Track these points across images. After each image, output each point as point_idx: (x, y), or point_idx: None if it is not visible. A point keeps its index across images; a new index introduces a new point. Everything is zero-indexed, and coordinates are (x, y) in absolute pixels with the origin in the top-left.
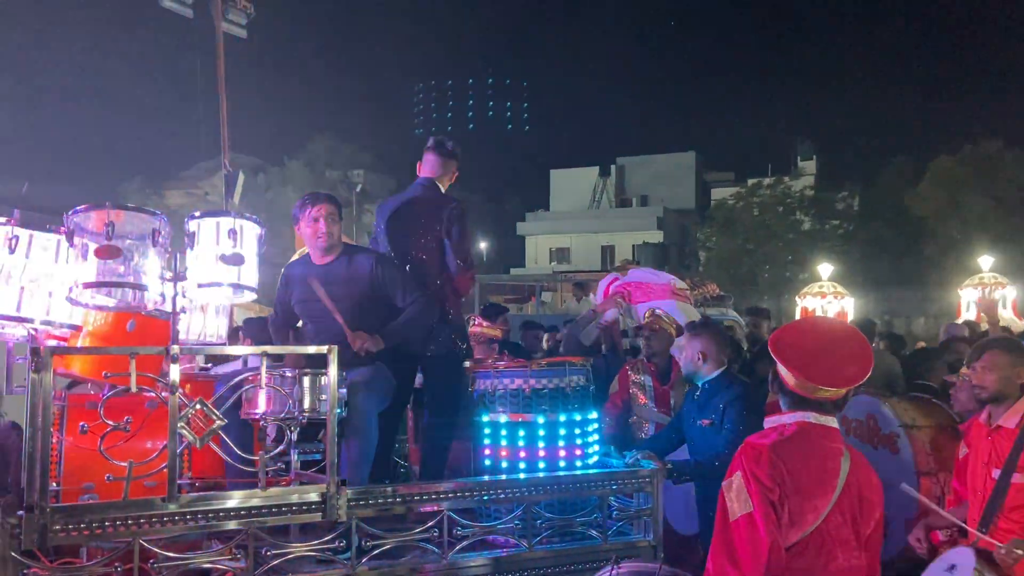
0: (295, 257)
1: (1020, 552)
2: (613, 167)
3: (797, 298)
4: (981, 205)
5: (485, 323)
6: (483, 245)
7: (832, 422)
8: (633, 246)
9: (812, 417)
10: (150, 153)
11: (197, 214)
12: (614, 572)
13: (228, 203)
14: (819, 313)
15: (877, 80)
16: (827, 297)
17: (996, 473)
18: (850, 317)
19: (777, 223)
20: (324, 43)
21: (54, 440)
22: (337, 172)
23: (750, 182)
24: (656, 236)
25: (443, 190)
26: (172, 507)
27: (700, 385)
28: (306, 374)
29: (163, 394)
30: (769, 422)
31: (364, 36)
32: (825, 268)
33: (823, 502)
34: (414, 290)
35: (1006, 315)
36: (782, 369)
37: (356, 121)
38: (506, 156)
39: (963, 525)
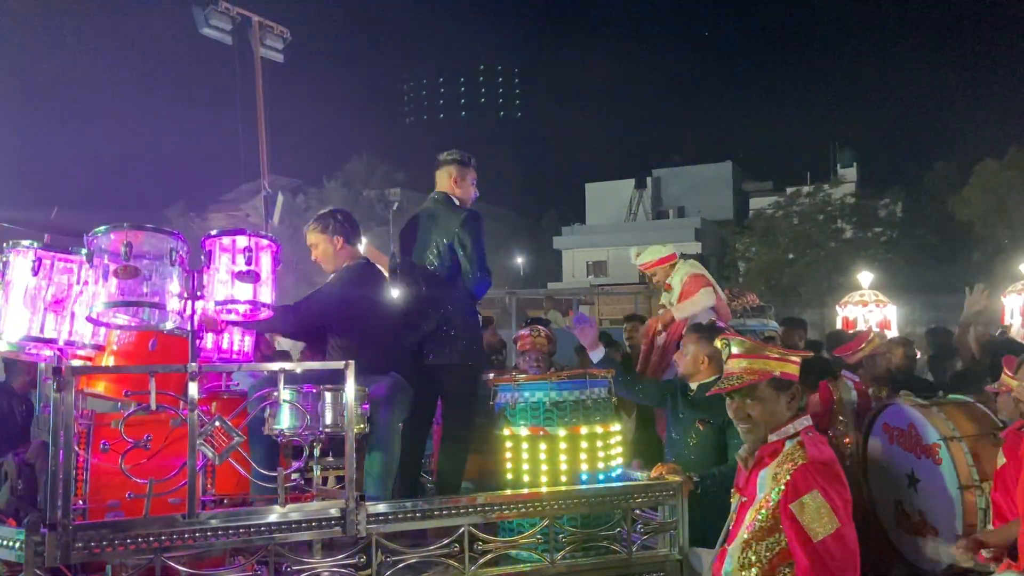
0: None
1: None
2: (649, 179)
3: (838, 307)
4: None
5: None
6: (520, 260)
7: None
8: None
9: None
10: (193, 177)
11: (213, 233)
12: None
13: (268, 224)
14: (861, 323)
15: (917, 83)
16: (868, 306)
17: None
18: (893, 325)
19: (818, 232)
20: (360, 65)
21: (80, 458)
22: (374, 191)
23: (789, 191)
24: (694, 247)
25: (458, 202)
26: (192, 524)
27: (695, 387)
28: (328, 390)
29: (183, 412)
30: (785, 432)
31: (398, 54)
32: (865, 276)
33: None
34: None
35: None
36: (791, 367)
37: (392, 140)
38: (542, 171)
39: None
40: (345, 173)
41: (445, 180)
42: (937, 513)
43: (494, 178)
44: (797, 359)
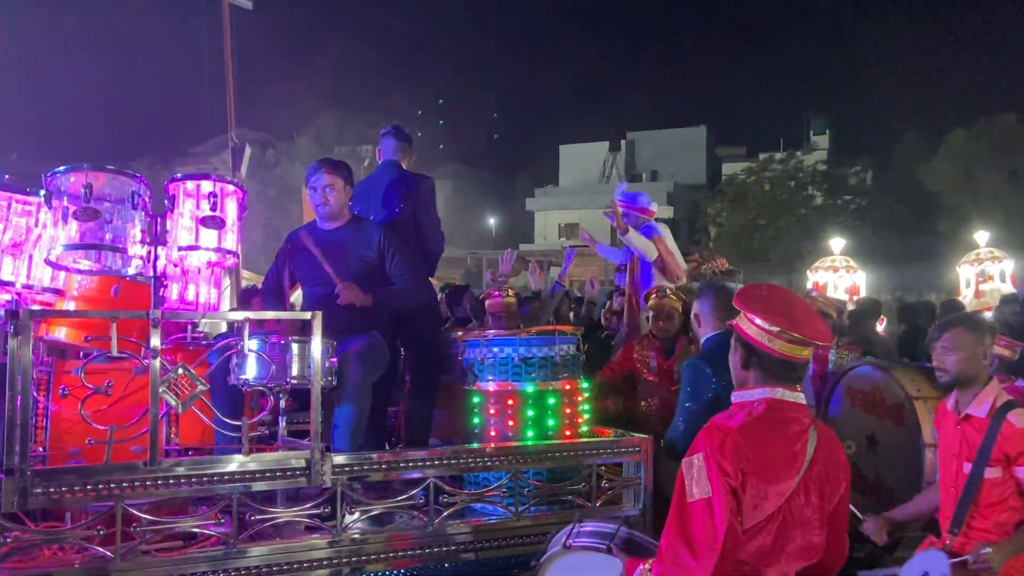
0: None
1: (987, 551)
2: (623, 142)
3: (809, 272)
4: (995, 179)
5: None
6: (492, 221)
7: (801, 397)
8: None
9: (781, 393)
10: (161, 131)
11: (178, 176)
12: (575, 530)
13: (235, 176)
14: (831, 288)
15: (890, 53)
16: (839, 272)
17: (968, 467)
18: (862, 291)
19: (789, 198)
20: (332, 18)
21: (40, 405)
22: (346, 147)
23: (761, 157)
24: (667, 211)
25: (405, 168)
26: (154, 471)
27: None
28: (296, 341)
29: (145, 359)
30: (737, 397)
31: (371, 9)
32: (837, 243)
33: (787, 485)
34: (411, 267)
35: (1004, 288)
36: (753, 328)
37: (365, 96)
38: (515, 132)
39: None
40: (317, 128)
41: (398, 151)
42: (895, 473)
43: (467, 139)
44: (759, 320)
